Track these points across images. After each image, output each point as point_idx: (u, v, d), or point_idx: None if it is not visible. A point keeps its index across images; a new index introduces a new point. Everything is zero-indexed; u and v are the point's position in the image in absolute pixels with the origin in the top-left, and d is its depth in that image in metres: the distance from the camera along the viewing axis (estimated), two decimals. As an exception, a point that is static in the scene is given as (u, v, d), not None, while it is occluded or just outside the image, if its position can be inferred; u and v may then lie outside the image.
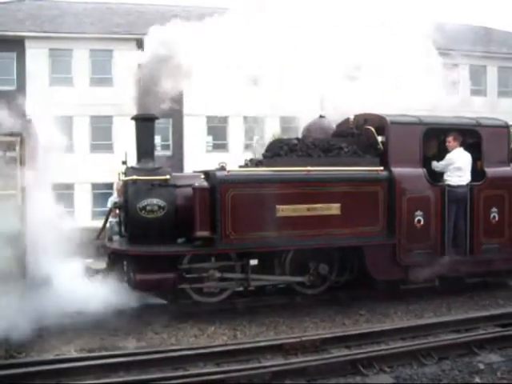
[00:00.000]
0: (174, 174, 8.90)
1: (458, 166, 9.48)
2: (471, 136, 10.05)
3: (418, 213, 9.08)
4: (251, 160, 9.48)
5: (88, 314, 7.78)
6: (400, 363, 6.53)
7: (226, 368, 6.31)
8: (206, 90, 9.00)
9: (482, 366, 6.46)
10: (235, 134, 30.08)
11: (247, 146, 29.09)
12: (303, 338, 7.04)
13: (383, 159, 9.10)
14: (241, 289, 9.07)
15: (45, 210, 7.95)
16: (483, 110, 21.40)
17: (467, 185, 9.50)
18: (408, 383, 6.10)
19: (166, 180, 8.54)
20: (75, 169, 24.59)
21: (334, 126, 10.23)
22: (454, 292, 9.80)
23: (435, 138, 10.23)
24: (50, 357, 6.77)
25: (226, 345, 7.06)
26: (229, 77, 10.34)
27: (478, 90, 34.45)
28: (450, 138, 9.74)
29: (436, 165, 9.69)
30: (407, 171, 9.10)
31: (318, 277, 9.02)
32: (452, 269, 9.60)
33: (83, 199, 28.37)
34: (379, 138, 9.19)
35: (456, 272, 9.66)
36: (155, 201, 8.31)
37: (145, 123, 8.70)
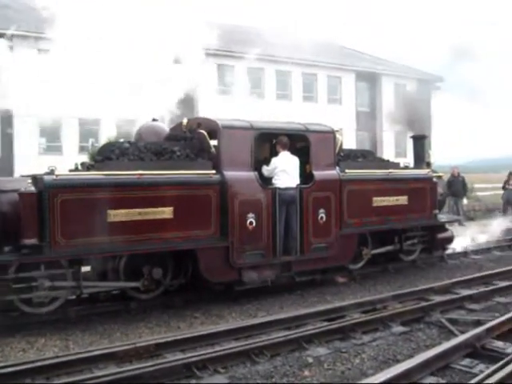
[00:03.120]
0: (-3, 178, 8.42)
1: (283, 169, 9.83)
2: (300, 140, 10.49)
3: (250, 215, 9.31)
4: (82, 164, 9.21)
5: None
6: (234, 363, 6.65)
7: (55, 382, 6.07)
8: (37, 88, 8.57)
9: (310, 360, 6.77)
10: (70, 137, 29.04)
11: (82, 149, 28.26)
12: (137, 345, 6.93)
13: (216, 163, 9.21)
14: (73, 297, 8.76)
15: None
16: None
17: (296, 187, 9.89)
18: (242, 382, 6.21)
19: (-11, 185, 8.05)
20: None
21: (168, 129, 10.22)
22: (285, 291, 10.16)
23: (268, 142, 10.56)
24: None
25: (57, 357, 6.72)
26: (63, 76, 9.95)
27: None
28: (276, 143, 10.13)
29: (265, 169, 10.00)
30: (239, 175, 9.29)
31: (152, 281, 8.94)
32: (283, 268, 9.98)
33: None
34: (212, 142, 9.31)
35: (287, 271, 10.04)
36: (-23, 207, 7.80)
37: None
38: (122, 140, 9.72)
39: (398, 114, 13.90)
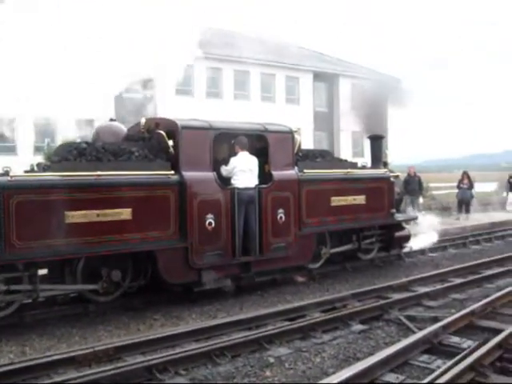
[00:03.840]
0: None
1: (242, 169, 9.82)
2: (259, 141, 10.51)
3: (209, 216, 9.27)
4: (38, 164, 9.04)
5: None
6: (195, 365, 6.61)
7: (11, 388, 5.95)
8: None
9: (271, 360, 6.77)
10: (24, 136, 28.46)
11: (38, 149, 27.75)
12: (96, 348, 6.83)
13: (174, 163, 9.14)
14: (30, 300, 8.57)
15: None
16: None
17: (255, 187, 9.90)
18: (203, 383, 6.19)
19: None
20: None
21: (126, 129, 10.11)
22: (245, 291, 10.14)
23: (226, 142, 10.54)
24: None
25: (12, 363, 6.55)
26: (17, 73, 9.73)
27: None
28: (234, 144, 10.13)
29: (223, 169, 9.97)
30: (198, 175, 9.25)
31: (111, 283, 8.83)
32: (243, 269, 9.97)
33: None
34: (170, 142, 9.24)
35: (247, 271, 10.03)
36: None
37: None
38: (79, 140, 9.58)
39: (355, 113, 13.99)
